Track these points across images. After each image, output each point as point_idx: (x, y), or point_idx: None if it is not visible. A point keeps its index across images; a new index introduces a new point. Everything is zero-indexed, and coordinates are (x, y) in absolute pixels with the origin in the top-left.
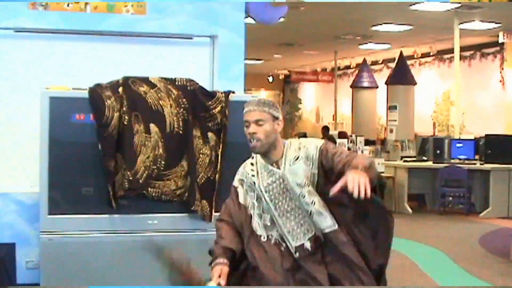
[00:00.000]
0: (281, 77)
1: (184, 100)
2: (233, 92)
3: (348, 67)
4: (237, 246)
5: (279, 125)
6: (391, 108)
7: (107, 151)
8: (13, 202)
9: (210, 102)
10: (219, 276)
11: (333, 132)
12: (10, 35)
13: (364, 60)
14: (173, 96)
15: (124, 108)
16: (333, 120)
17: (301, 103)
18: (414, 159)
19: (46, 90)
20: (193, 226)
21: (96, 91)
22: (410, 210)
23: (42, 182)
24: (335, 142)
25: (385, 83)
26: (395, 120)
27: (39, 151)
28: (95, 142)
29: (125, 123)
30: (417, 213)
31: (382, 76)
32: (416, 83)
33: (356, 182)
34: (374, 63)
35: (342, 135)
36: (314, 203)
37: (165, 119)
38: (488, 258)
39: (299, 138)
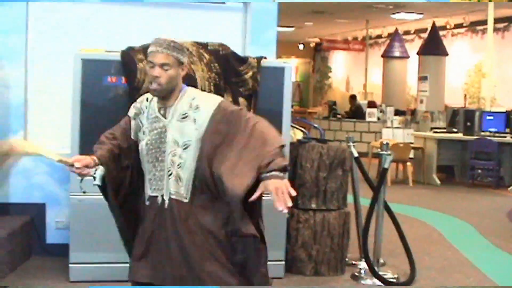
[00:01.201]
0: (312, 45)
1: (216, 64)
2: (265, 58)
3: (379, 37)
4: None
5: (183, 71)
6: (422, 78)
7: None
8: (44, 163)
9: (241, 67)
10: (78, 160)
11: (363, 101)
12: None
13: (396, 30)
14: (205, 60)
15: None
16: (363, 89)
17: (331, 71)
18: (444, 130)
19: (79, 53)
20: None
21: (128, 54)
22: (438, 182)
23: (74, 143)
24: (362, 111)
25: (417, 54)
26: (426, 91)
27: (71, 113)
28: (127, 105)
29: None
30: (446, 185)
31: (413, 46)
32: (447, 54)
33: (281, 195)
34: (406, 33)
35: (372, 104)
36: (181, 167)
37: (197, 83)
38: None
39: (333, 105)
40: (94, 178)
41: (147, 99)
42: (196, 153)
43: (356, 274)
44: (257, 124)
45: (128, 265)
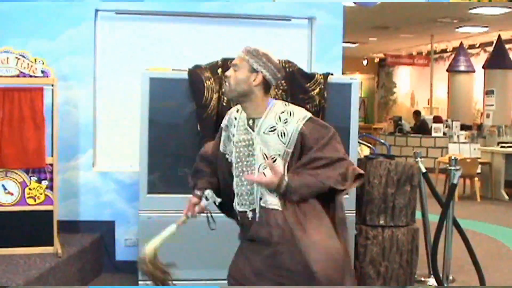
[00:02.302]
0: (376, 60)
1: (282, 81)
2: (332, 74)
3: (444, 51)
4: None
5: (256, 80)
6: (488, 92)
7: (206, 132)
8: (113, 181)
9: (308, 84)
10: (189, 210)
11: (428, 116)
12: (111, 17)
13: (461, 44)
14: None
15: (223, 90)
16: (428, 104)
17: (396, 87)
18: (511, 145)
19: (147, 71)
20: None
21: (195, 72)
22: (506, 197)
23: (142, 162)
24: (428, 126)
25: (482, 67)
26: (492, 105)
27: (139, 131)
28: (194, 123)
29: (224, 104)
30: None
31: (479, 60)
32: None
33: (258, 179)
34: (471, 46)
35: (437, 119)
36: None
37: None
38: None
39: (399, 120)
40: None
41: (237, 110)
42: (284, 165)
43: None
44: (317, 161)
45: (197, 282)
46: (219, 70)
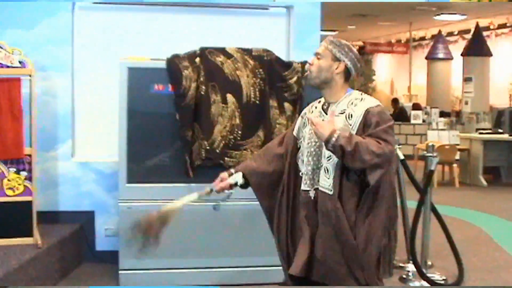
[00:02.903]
0: (355, 48)
1: (260, 70)
2: None
3: (423, 38)
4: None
5: (338, 68)
6: (466, 80)
7: (185, 121)
8: (92, 171)
9: (286, 72)
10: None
11: (407, 104)
12: (89, 7)
13: (440, 31)
14: (249, 66)
15: (201, 79)
16: (408, 92)
17: (375, 74)
18: (490, 131)
19: (125, 61)
20: None
21: (173, 62)
22: (485, 183)
23: (121, 152)
24: (406, 114)
25: (461, 55)
26: (471, 92)
27: (118, 121)
28: (172, 112)
29: (202, 93)
30: (492, 186)
31: (457, 47)
32: (492, 55)
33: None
34: (450, 34)
35: (416, 106)
36: (330, 159)
37: (242, 89)
38: None
39: None
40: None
41: (319, 101)
42: None
43: (404, 276)
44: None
45: (177, 271)
46: (197, 59)
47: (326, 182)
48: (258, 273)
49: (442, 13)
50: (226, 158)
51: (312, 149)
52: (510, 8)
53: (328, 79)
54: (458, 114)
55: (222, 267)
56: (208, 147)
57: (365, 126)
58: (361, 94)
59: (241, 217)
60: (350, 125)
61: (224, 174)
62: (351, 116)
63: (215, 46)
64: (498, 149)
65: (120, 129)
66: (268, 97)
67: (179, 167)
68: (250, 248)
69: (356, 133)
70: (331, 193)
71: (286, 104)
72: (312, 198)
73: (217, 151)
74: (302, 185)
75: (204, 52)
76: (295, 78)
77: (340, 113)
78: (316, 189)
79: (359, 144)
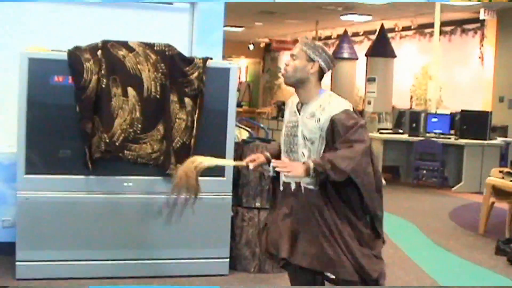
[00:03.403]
0: (262, 45)
1: (162, 65)
2: (211, 59)
3: (329, 38)
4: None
5: (313, 67)
6: (370, 80)
7: (85, 114)
8: None
9: (187, 68)
10: (252, 161)
11: None
12: None
13: (345, 31)
14: (151, 60)
15: (103, 71)
16: None
17: (280, 71)
18: (390, 131)
19: (25, 51)
20: (167, 189)
21: (75, 54)
22: (384, 182)
23: (20, 142)
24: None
25: (365, 55)
26: (373, 92)
27: (17, 112)
28: (73, 104)
29: (103, 86)
30: (391, 185)
31: (362, 47)
32: (395, 56)
33: (283, 166)
34: (355, 34)
35: None
36: (308, 159)
37: (143, 83)
38: (457, 231)
39: (282, 105)
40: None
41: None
42: (319, 148)
43: None
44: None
45: (73, 262)
46: (99, 52)
47: (307, 179)
48: (166, 266)
49: (348, 13)
50: (125, 151)
51: (288, 143)
52: (414, 11)
53: (303, 78)
54: (361, 113)
55: (122, 260)
56: (107, 140)
57: (334, 134)
58: (330, 96)
59: (139, 209)
60: (320, 128)
61: (260, 155)
62: (319, 120)
63: (117, 39)
64: (397, 149)
65: (19, 120)
66: (169, 91)
67: (79, 159)
68: (152, 240)
69: (325, 137)
70: (314, 188)
71: (187, 99)
72: (293, 190)
73: (117, 144)
74: (282, 177)
75: (106, 45)
76: (196, 74)
77: (311, 116)
78: (297, 183)
79: (332, 158)
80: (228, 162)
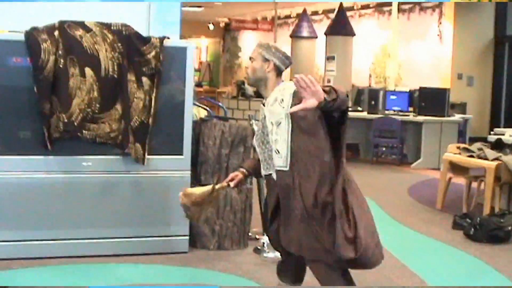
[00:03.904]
0: (222, 24)
1: (119, 44)
2: (168, 38)
3: (288, 17)
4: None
5: (269, 67)
6: (329, 58)
7: (43, 94)
8: None
9: (144, 47)
10: (231, 180)
11: None
12: None
13: (304, 10)
14: (108, 40)
15: (60, 52)
16: None
17: (241, 51)
18: (350, 109)
19: None
20: (126, 168)
21: (32, 34)
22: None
23: None
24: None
25: (324, 34)
26: (333, 71)
27: None
28: (31, 85)
29: (61, 66)
30: (351, 162)
31: (322, 26)
32: (355, 34)
33: (304, 80)
34: (314, 13)
35: None
36: (277, 142)
37: (100, 63)
38: (415, 206)
39: (242, 84)
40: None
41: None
42: (287, 128)
43: (259, 247)
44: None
45: (33, 242)
46: (56, 33)
47: (280, 161)
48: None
49: None
50: (84, 131)
51: (260, 137)
52: None
53: (262, 77)
54: None
55: (82, 239)
56: (66, 120)
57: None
58: (284, 83)
59: (98, 189)
60: (283, 107)
61: (234, 174)
62: (283, 100)
63: (74, 19)
64: (356, 127)
65: None
66: (126, 71)
67: (38, 140)
68: (111, 219)
69: (289, 109)
70: (286, 169)
71: (144, 79)
72: (275, 180)
73: (75, 124)
74: (263, 170)
75: (63, 26)
76: (153, 53)
77: (274, 101)
78: (276, 171)
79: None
80: (210, 187)
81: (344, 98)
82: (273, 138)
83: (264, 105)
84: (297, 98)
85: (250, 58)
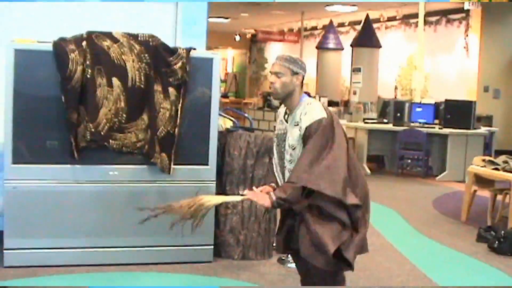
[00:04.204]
0: (248, 36)
1: (146, 55)
2: (194, 49)
3: (314, 28)
4: None
5: (298, 80)
6: (355, 70)
7: (70, 104)
8: None
9: (171, 58)
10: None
11: None
12: None
13: (331, 22)
14: (135, 51)
15: (88, 62)
16: None
17: (267, 62)
18: (375, 121)
19: (11, 43)
20: (152, 178)
21: (60, 45)
22: (368, 171)
23: (7, 132)
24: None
25: (351, 45)
26: (359, 82)
27: (4, 102)
28: (59, 95)
29: (88, 76)
30: (376, 174)
31: (348, 38)
32: (381, 46)
33: (255, 197)
34: (341, 25)
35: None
36: (291, 162)
37: (127, 73)
38: (440, 219)
39: (268, 96)
40: None
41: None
42: (299, 153)
43: (283, 258)
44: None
45: (60, 250)
46: (84, 43)
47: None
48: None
49: (333, 4)
50: (110, 141)
51: (280, 153)
52: (399, 2)
53: (291, 91)
54: (346, 103)
55: (108, 247)
56: (93, 130)
57: (307, 138)
58: (308, 105)
59: (124, 198)
60: (300, 135)
61: (264, 187)
62: (301, 129)
63: (102, 30)
64: (382, 139)
65: (6, 110)
66: (153, 81)
67: (65, 149)
68: (137, 228)
69: (302, 143)
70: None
71: (171, 89)
72: None
73: (102, 133)
74: (278, 180)
75: (90, 36)
76: (180, 64)
77: (295, 125)
78: None
79: (291, 186)
80: (235, 198)
81: (295, 196)
82: (287, 158)
83: (286, 120)
84: (307, 132)
85: (277, 74)
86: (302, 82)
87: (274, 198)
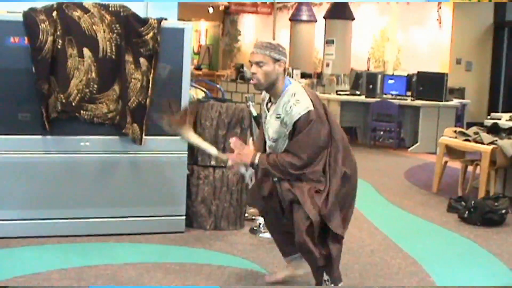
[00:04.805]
0: (221, 8)
1: (117, 25)
2: (166, 19)
3: (287, 0)
4: None
5: (280, 66)
6: (328, 42)
7: (41, 74)
8: None
9: (142, 28)
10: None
11: None
12: None
13: None
14: (106, 21)
15: (58, 32)
16: None
17: (240, 34)
18: (347, 92)
19: None
20: (124, 148)
21: (30, 15)
22: None
23: None
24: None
25: (324, 17)
26: (332, 54)
27: None
28: (29, 65)
29: (59, 47)
30: None
31: (321, 10)
32: (354, 18)
33: (238, 159)
34: None
35: None
36: (272, 150)
37: (98, 44)
38: (411, 190)
39: (241, 68)
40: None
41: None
42: (281, 147)
43: (255, 228)
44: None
45: (32, 221)
46: (54, 13)
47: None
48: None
49: None
50: (82, 111)
51: (265, 138)
52: None
53: (275, 80)
54: (320, 75)
55: (79, 218)
56: (64, 100)
57: (295, 131)
58: (293, 96)
59: (96, 168)
60: (285, 129)
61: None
62: (286, 124)
63: (72, 0)
64: (354, 110)
65: None
66: (124, 52)
67: (36, 120)
68: (108, 199)
69: (289, 136)
70: None
71: (142, 60)
72: None
73: (73, 104)
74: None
75: (61, 6)
76: (151, 34)
77: (277, 118)
78: None
79: (276, 160)
80: (212, 150)
81: (266, 168)
82: (268, 144)
83: (268, 109)
84: (297, 127)
85: (258, 63)
86: (285, 68)
87: (256, 161)
